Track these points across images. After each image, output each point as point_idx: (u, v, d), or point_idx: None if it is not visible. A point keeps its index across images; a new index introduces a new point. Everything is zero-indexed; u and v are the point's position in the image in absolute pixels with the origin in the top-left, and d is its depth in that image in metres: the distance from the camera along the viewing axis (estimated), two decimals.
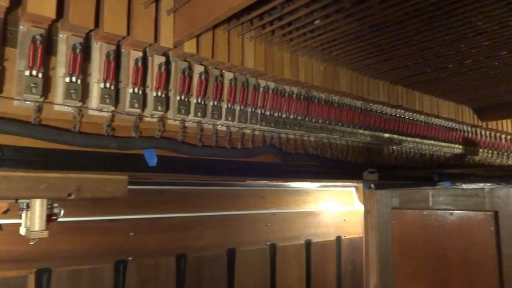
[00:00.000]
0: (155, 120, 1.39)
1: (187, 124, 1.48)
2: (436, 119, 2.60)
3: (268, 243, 3.88)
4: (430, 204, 2.61)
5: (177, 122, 1.44)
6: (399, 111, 2.32)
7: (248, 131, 1.65)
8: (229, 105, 1.54)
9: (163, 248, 3.18)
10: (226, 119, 1.53)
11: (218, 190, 3.57)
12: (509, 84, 2.29)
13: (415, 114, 2.44)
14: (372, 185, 3.01)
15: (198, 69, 1.47)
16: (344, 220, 4.57)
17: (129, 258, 2.99)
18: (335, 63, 1.87)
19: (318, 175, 1.89)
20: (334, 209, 4.55)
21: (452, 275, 2.43)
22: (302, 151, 1.85)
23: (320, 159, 1.89)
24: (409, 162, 2.46)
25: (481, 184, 2.37)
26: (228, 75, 1.56)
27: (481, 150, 3.00)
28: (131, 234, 3.01)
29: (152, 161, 1.37)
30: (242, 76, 1.62)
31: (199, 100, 1.46)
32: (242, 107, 1.58)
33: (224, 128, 1.57)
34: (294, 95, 1.77)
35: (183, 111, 1.41)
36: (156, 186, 3.21)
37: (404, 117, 2.34)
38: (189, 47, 1.39)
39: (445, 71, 2.03)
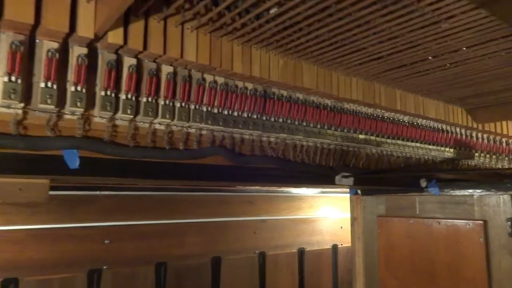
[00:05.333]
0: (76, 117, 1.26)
1: (118, 122, 1.35)
2: (423, 120, 2.41)
3: (256, 251, 3.71)
4: (417, 212, 2.41)
5: (104, 120, 1.31)
6: (378, 110, 2.14)
7: (193, 131, 1.50)
8: (167, 102, 1.40)
9: (141, 256, 3.05)
10: (163, 117, 1.39)
11: (202, 196, 3.43)
12: (501, 80, 2.09)
13: (397, 114, 2.25)
14: (359, 191, 2.82)
15: (128, 61, 1.33)
16: (341, 227, 4.38)
17: (104, 267, 2.86)
18: (296, 57, 1.71)
19: (279, 179, 1.73)
20: (330, 216, 4.37)
21: None
22: (261, 152, 1.69)
23: (282, 161, 1.73)
24: (391, 166, 2.27)
25: (470, 191, 2.17)
26: (166, 69, 1.42)
27: (477, 154, 2.78)
28: (106, 241, 2.89)
29: (74, 163, 1.24)
30: (185, 70, 1.47)
31: (129, 96, 1.32)
32: (183, 104, 1.44)
33: (162, 127, 1.43)
34: (248, 92, 1.62)
35: (108, 108, 1.28)
36: (134, 192, 3.10)
37: (383, 117, 2.16)
38: (114, 37, 1.26)
39: (425, 64, 1.84)
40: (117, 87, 1.31)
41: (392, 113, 2.22)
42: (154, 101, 1.37)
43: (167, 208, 3.23)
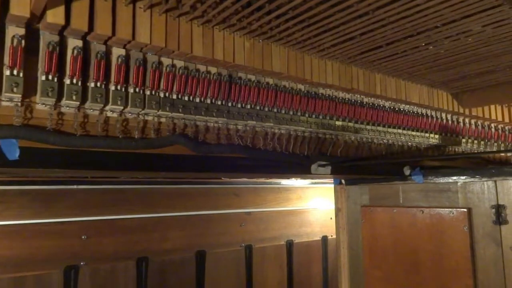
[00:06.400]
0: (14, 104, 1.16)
1: (63, 109, 1.25)
2: (406, 106, 2.31)
3: (243, 244, 3.64)
4: (401, 201, 2.33)
5: (47, 107, 1.21)
6: (356, 95, 2.05)
7: (150, 118, 1.40)
8: (118, 87, 1.30)
9: (121, 251, 2.97)
10: (115, 103, 1.29)
11: (186, 188, 3.34)
12: (484, 61, 1.99)
13: (377, 100, 2.16)
14: (343, 181, 2.74)
15: (73, 43, 1.23)
16: (331, 218, 4.29)
17: (82, 263, 2.78)
18: (264, 38, 1.61)
19: (248, 169, 1.64)
20: (319, 207, 4.29)
21: (424, 280, 2.14)
22: (228, 141, 1.59)
23: (250, 150, 1.63)
24: (372, 153, 2.18)
25: (454, 178, 2.08)
26: (117, 52, 1.31)
27: (464, 140, 2.69)
28: (83, 237, 2.81)
29: (13, 154, 1.14)
30: (140, 53, 1.37)
31: (74, 81, 1.22)
32: (137, 89, 1.34)
33: (115, 115, 1.33)
34: (211, 76, 1.52)
35: (50, 94, 1.18)
36: (114, 185, 3.00)
37: (362, 103, 2.06)
38: (54, 16, 1.15)
39: (402, 45, 1.74)
40: (60, 72, 1.21)
41: (372, 98, 2.12)
42: (103, 86, 1.27)
43: (149, 201, 3.14)
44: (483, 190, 1.96)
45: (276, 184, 3.94)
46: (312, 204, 4.27)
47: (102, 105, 1.28)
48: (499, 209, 1.89)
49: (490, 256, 1.91)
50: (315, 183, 4.14)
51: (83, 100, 1.25)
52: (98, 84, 1.26)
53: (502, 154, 3.03)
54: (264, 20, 1.43)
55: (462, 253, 1.99)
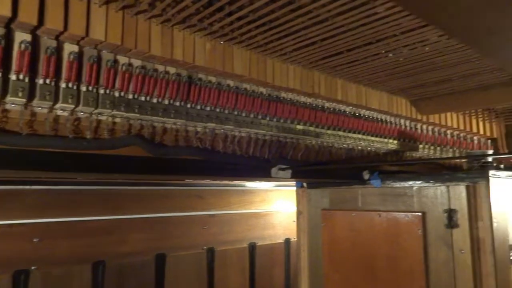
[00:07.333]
0: None
1: (7, 106, 1.18)
2: (367, 111, 2.36)
3: (205, 247, 3.59)
4: (360, 204, 2.37)
5: None
6: (318, 100, 2.06)
7: (103, 118, 1.35)
8: (69, 85, 1.24)
9: (76, 255, 2.85)
10: (65, 101, 1.23)
11: (146, 190, 3.26)
12: (441, 70, 2.05)
13: (339, 105, 2.18)
14: (305, 184, 2.76)
15: (20, 37, 1.17)
16: (294, 221, 4.31)
17: (32, 268, 2.65)
18: (225, 40, 1.59)
19: (206, 171, 1.61)
20: (283, 210, 4.31)
21: (380, 282, 2.19)
22: (187, 143, 1.56)
23: (209, 153, 1.61)
24: (333, 158, 2.21)
25: (410, 182, 2.14)
26: (69, 48, 1.26)
27: (421, 145, 2.78)
28: (35, 240, 2.68)
29: None
30: (94, 51, 1.32)
31: (20, 77, 1.15)
32: (89, 88, 1.29)
33: (66, 114, 1.27)
34: (170, 76, 1.48)
35: None
36: (70, 186, 2.89)
37: (323, 107, 2.08)
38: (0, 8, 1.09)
39: (362, 51, 1.77)
40: (5, 67, 1.14)
41: (333, 103, 2.14)
42: (53, 83, 1.21)
43: (107, 203, 3.04)
44: (436, 195, 2.03)
45: (241, 186, 3.92)
46: (276, 207, 4.28)
47: (52, 103, 1.22)
48: (450, 213, 1.95)
49: (442, 258, 1.97)
50: (279, 185, 4.16)
51: (31, 97, 1.19)
52: (48, 81, 1.20)
53: (457, 160, 3.15)
54: (225, 21, 1.41)
55: (416, 256, 2.04)
